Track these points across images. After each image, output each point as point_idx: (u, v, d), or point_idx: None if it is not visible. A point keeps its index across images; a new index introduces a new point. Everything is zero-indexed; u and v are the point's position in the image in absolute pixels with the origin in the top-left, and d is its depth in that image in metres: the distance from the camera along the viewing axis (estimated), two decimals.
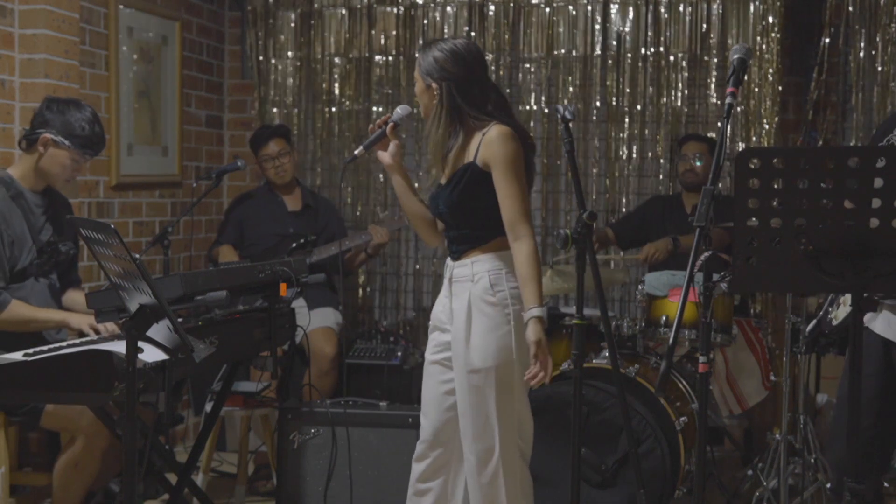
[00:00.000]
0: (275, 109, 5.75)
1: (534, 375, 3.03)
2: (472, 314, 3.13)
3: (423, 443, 3.31)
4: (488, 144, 3.12)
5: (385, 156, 3.32)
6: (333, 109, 5.72)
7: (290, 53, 5.71)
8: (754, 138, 5.23)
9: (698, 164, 4.90)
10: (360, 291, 5.78)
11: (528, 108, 5.52)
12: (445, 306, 3.25)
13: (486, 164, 3.13)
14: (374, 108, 5.64)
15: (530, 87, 5.50)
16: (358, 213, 5.74)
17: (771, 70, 5.17)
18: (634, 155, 5.44)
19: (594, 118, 5.45)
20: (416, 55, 3.29)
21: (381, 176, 5.67)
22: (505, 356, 3.12)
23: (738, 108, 5.24)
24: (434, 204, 3.28)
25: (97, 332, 3.49)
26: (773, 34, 5.17)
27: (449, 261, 3.28)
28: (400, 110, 3.31)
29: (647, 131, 5.42)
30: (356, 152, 3.29)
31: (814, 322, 3.91)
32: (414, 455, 3.33)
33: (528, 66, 5.48)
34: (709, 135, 5.23)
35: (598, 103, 5.43)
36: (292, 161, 5.17)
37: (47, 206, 3.76)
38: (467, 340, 3.12)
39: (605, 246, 5.10)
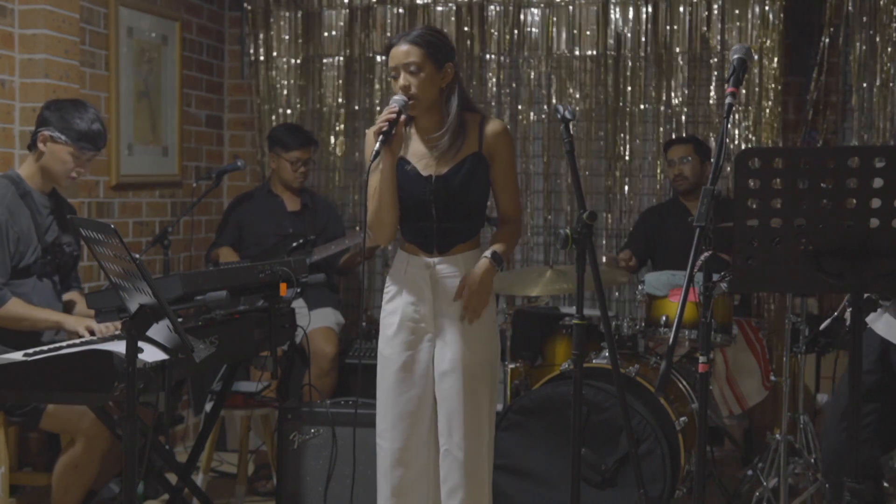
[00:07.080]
0: (278, 109, 5.74)
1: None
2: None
3: (400, 451, 3.17)
4: (496, 136, 3.12)
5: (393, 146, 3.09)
6: (333, 109, 5.71)
7: (290, 53, 5.71)
8: (753, 138, 5.23)
9: (686, 167, 4.88)
10: (361, 291, 5.77)
11: (528, 108, 5.51)
12: (426, 304, 3.16)
13: (490, 155, 3.12)
14: (376, 108, 5.64)
15: (530, 87, 5.49)
16: (352, 212, 5.73)
17: (772, 70, 5.17)
18: (635, 155, 5.44)
19: (595, 118, 5.45)
20: (402, 41, 3.05)
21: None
22: (496, 351, 3.22)
23: (738, 108, 5.23)
24: (419, 194, 3.10)
25: (93, 333, 3.49)
26: (774, 34, 5.17)
27: (417, 258, 3.15)
28: (398, 98, 3.05)
29: (647, 131, 5.42)
30: (377, 147, 3.00)
31: (830, 319, 3.88)
32: (390, 461, 3.17)
33: (528, 66, 5.48)
34: (710, 135, 5.22)
35: (598, 103, 5.43)
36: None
37: (54, 206, 3.80)
38: (466, 336, 3.12)
39: (636, 270, 4.93)
